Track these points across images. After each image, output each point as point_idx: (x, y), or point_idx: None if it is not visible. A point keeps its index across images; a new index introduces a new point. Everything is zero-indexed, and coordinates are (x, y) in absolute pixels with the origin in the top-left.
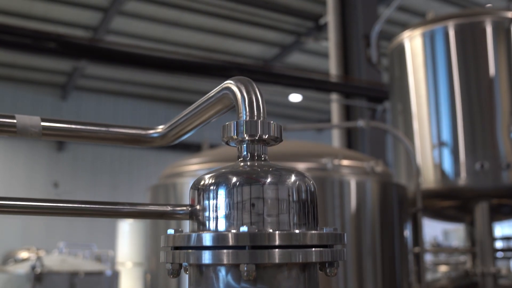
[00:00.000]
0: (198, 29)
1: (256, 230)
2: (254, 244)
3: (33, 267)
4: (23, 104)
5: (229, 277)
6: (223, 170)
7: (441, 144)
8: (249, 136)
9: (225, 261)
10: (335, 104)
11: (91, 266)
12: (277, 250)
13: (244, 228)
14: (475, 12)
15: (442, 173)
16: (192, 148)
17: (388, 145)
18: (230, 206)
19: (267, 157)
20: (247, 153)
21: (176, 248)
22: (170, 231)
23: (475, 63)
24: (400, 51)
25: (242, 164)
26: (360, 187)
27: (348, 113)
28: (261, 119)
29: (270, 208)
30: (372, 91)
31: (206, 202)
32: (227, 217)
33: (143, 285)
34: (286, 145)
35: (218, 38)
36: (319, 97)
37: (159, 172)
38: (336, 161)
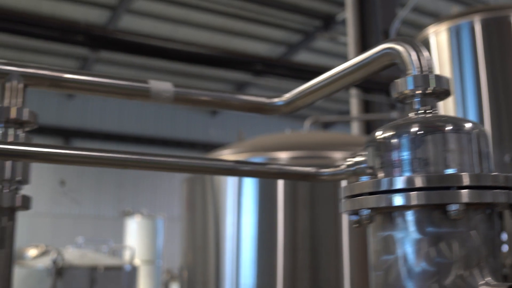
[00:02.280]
0: (206, 28)
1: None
2: (458, 184)
3: (54, 261)
4: (28, 102)
5: (426, 219)
6: (399, 123)
7: None
8: (422, 89)
9: (428, 201)
10: (354, 99)
11: (110, 260)
12: (478, 190)
13: (450, 170)
14: (501, 6)
15: None
16: (197, 146)
17: None
18: (417, 153)
19: (437, 111)
20: (419, 107)
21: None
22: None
23: (501, 58)
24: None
25: (415, 117)
26: None
27: (367, 108)
28: (431, 73)
29: (456, 154)
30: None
31: (390, 153)
32: (413, 163)
33: (151, 284)
34: (322, 135)
35: (226, 36)
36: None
37: None
38: None
